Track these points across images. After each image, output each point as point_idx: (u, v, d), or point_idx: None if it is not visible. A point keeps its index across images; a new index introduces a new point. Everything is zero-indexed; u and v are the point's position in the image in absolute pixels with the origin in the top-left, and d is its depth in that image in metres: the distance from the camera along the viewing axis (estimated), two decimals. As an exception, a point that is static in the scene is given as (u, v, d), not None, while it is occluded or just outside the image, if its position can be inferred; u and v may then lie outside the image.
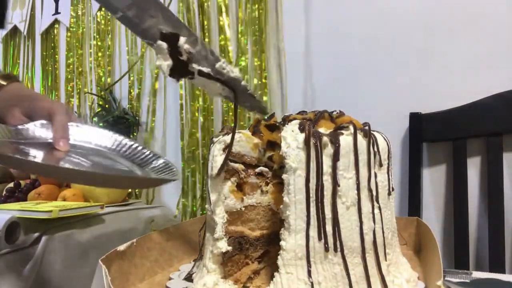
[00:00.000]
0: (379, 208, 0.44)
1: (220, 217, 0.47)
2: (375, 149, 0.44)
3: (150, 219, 1.12)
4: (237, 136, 0.48)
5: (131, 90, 1.51)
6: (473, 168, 0.95)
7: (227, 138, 0.47)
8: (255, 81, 1.17)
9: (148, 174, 0.60)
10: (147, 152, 0.64)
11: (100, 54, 1.61)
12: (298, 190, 0.41)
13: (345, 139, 0.42)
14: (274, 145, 0.49)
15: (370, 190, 0.43)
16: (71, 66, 1.71)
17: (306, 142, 0.41)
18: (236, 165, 0.48)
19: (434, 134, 0.98)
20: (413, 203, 0.99)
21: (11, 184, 1.09)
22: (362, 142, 0.42)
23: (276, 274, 0.41)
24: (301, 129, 0.42)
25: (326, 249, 0.40)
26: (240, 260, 0.49)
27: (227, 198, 0.48)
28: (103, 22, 1.61)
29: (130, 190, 1.34)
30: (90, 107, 1.63)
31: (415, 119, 1.00)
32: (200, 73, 0.42)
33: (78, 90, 1.68)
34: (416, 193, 0.99)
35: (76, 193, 1.04)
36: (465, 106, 0.93)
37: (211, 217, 0.47)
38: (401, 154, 1.04)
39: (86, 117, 1.62)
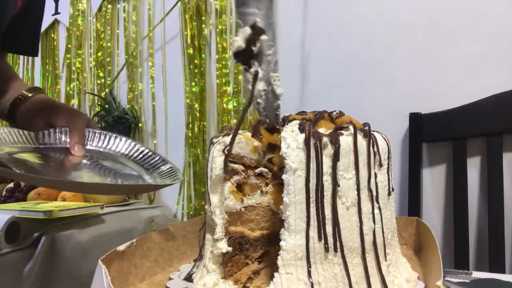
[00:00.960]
0: (379, 208, 0.44)
1: (220, 217, 0.47)
2: (375, 149, 0.44)
3: (150, 219, 1.12)
4: (236, 137, 0.47)
5: (131, 91, 1.51)
6: (473, 168, 0.95)
7: (227, 139, 0.47)
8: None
9: (154, 178, 0.64)
10: (157, 158, 0.69)
11: (100, 54, 1.61)
12: (298, 191, 0.41)
13: (345, 140, 0.42)
14: (274, 148, 0.49)
15: (370, 190, 0.43)
16: (71, 66, 1.70)
17: (306, 142, 0.41)
18: (236, 166, 0.48)
19: (434, 134, 0.98)
20: (413, 203, 0.99)
21: (11, 184, 1.10)
22: (362, 142, 0.42)
23: (276, 274, 0.41)
24: (301, 129, 0.42)
25: (326, 250, 0.40)
26: (240, 261, 0.49)
27: (227, 199, 0.48)
28: (103, 22, 1.61)
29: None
30: (90, 107, 1.64)
31: (415, 119, 1.00)
32: (254, 72, 0.47)
33: (78, 90, 1.68)
34: (416, 193, 0.99)
35: (76, 193, 1.04)
36: (465, 106, 0.93)
37: (211, 218, 0.47)
38: (401, 154, 1.04)
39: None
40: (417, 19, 1.02)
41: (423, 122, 0.99)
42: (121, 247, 0.48)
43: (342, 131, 0.43)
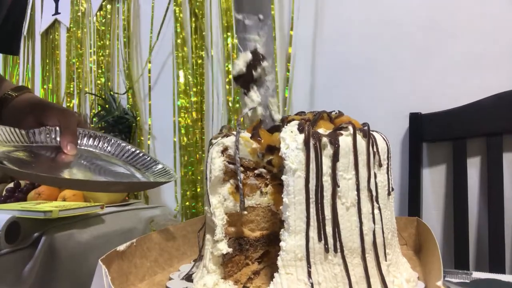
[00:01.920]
0: (379, 208, 0.44)
1: (219, 219, 0.47)
2: (375, 149, 0.44)
3: (150, 219, 1.12)
4: (234, 138, 0.47)
5: (130, 91, 1.51)
6: (473, 168, 0.95)
7: (226, 141, 0.47)
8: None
9: (147, 177, 0.64)
10: (148, 158, 0.69)
11: (100, 54, 1.61)
12: (297, 191, 0.41)
13: (345, 140, 0.41)
14: (273, 150, 0.48)
15: (369, 190, 0.43)
16: (71, 66, 1.71)
17: (306, 143, 0.41)
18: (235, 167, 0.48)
19: (434, 134, 0.98)
20: (413, 203, 0.99)
21: (11, 184, 1.10)
22: (361, 142, 0.42)
23: (276, 274, 0.41)
24: (300, 129, 0.42)
25: (326, 250, 0.40)
26: (240, 261, 0.49)
27: (226, 200, 0.48)
28: (103, 22, 1.61)
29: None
30: (90, 107, 1.64)
31: (415, 119, 1.00)
32: (251, 96, 0.50)
33: (78, 90, 1.68)
34: (416, 193, 0.98)
35: (76, 193, 1.04)
36: (465, 106, 0.93)
37: (211, 219, 0.47)
38: (401, 154, 1.04)
39: (86, 117, 1.62)
40: (417, 19, 1.02)
41: (423, 122, 0.99)
42: (121, 247, 0.48)
43: (342, 131, 0.42)
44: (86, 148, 0.68)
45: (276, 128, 0.50)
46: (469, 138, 0.94)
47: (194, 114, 1.32)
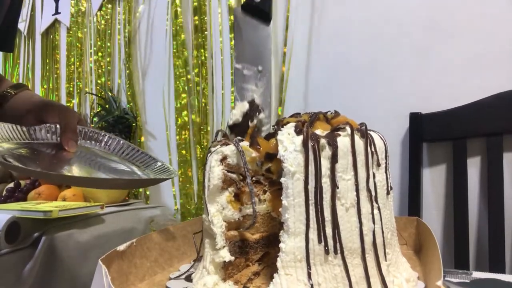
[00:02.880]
0: (378, 208, 0.44)
1: (218, 226, 0.46)
2: (373, 149, 0.44)
3: (150, 219, 1.12)
4: (233, 147, 0.47)
5: (130, 91, 1.51)
6: (473, 168, 0.95)
7: (225, 149, 0.47)
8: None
9: (147, 175, 0.65)
10: (147, 156, 0.70)
11: (100, 54, 1.61)
12: (297, 193, 0.40)
13: (343, 141, 0.41)
14: (272, 157, 0.48)
15: (369, 190, 0.43)
16: (71, 66, 1.71)
17: (304, 144, 0.40)
18: (234, 175, 0.48)
19: (434, 134, 0.98)
20: (413, 203, 0.99)
21: (11, 184, 1.10)
22: (359, 142, 0.42)
23: (275, 275, 0.41)
24: (298, 131, 0.42)
25: (326, 252, 0.40)
26: (241, 264, 0.49)
27: (225, 209, 0.47)
28: (103, 22, 1.61)
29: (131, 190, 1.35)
30: (90, 107, 1.64)
31: (415, 119, 1.00)
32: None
33: (78, 90, 1.68)
34: (416, 193, 0.98)
35: (76, 193, 1.04)
36: (465, 106, 0.93)
37: (209, 227, 0.47)
38: (401, 154, 1.03)
39: (86, 117, 1.63)
40: (417, 19, 1.02)
41: (423, 122, 0.99)
42: (121, 247, 0.48)
43: (339, 132, 0.42)
44: (86, 145, 0.69)
45: (272, 135, 0.49)
46: (469, 138, 0.94)
47: (194, 114, 1.32)
